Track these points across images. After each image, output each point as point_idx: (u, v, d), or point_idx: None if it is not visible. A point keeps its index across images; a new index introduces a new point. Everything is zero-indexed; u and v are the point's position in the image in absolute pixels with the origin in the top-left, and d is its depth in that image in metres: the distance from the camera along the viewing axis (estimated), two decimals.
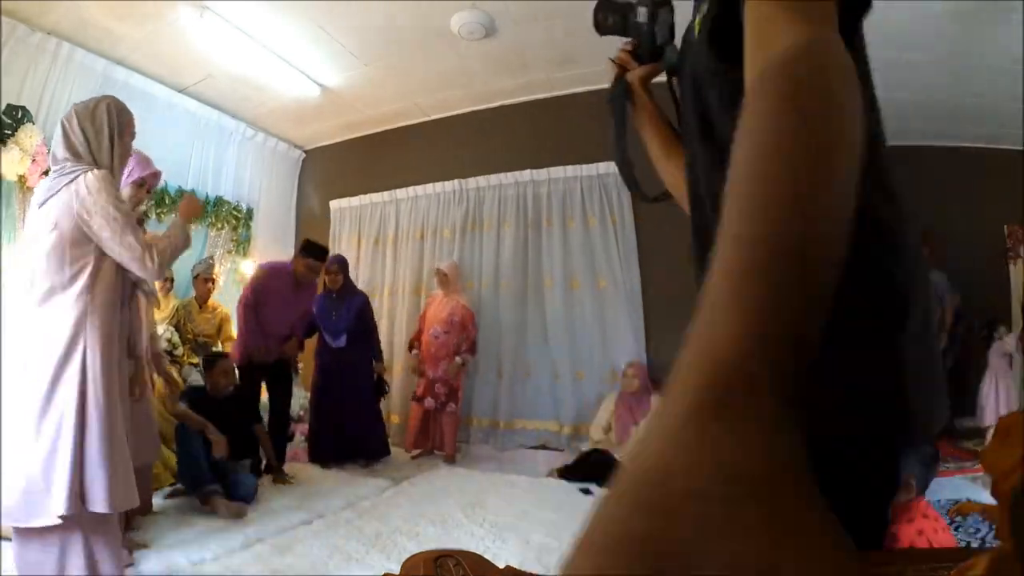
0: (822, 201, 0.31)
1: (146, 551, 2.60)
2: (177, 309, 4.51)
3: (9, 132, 3.57)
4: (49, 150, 2.29)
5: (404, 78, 4.74)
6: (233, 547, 2.75)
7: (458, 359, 4.52)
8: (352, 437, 4.26)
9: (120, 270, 2.11)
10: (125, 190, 2.48)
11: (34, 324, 1.99)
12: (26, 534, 1.92)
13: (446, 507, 3.36)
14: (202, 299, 4.65)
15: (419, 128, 5.57)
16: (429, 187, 5.48)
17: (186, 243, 2.30)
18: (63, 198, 2.01)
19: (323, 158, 6.22)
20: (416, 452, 4.60)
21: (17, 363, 1.98)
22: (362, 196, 5.87)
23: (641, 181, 1.00)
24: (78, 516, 1.88)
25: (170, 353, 4.21)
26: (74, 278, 2.00)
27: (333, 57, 4.44)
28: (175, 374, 3.95)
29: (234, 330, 4.59)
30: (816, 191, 0.31)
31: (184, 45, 4.18)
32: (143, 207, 3.05)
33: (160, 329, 4.19)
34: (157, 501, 3.21)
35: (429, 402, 4.50)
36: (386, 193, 5.73)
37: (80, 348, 1.96)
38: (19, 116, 3.62)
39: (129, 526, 2.72)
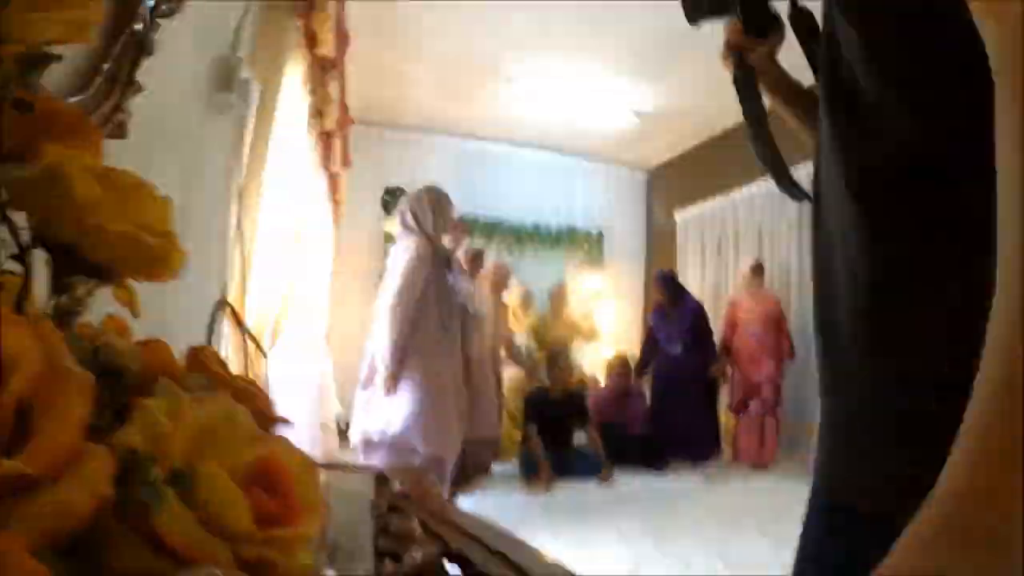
0: None
1: (467, 496, 3.40)
2: (535, 321, 5.36)
3: (392, 206, 5.17)
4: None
5: (704, 81, 4.75)
6: (533, 508, 3.40)
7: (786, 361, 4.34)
8: (683, 437, 4.41)
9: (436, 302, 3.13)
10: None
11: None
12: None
13: (741, 515, 3.31)
14: (556, 311, 5.45)
15: (740, 125, 5.44)
16: (761, 184, 5.30)
17: None
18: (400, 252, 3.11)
19: (664, 175, 6.57)
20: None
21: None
22: (701, 203, 5.99)
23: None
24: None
25: (529, 356, 5.08)
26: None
27: (636, 83, 4.80)
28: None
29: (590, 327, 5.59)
30: None
31: (512, 109, 5.23)
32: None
33: (520, 338, 5.12)
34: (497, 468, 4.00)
35: (755, 406, 4.36)
36: (724, 197, 5.74)
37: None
38: (397, 193, 5.22)
39: (466, 479, 3.56)
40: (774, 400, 4.34)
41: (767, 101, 0.85)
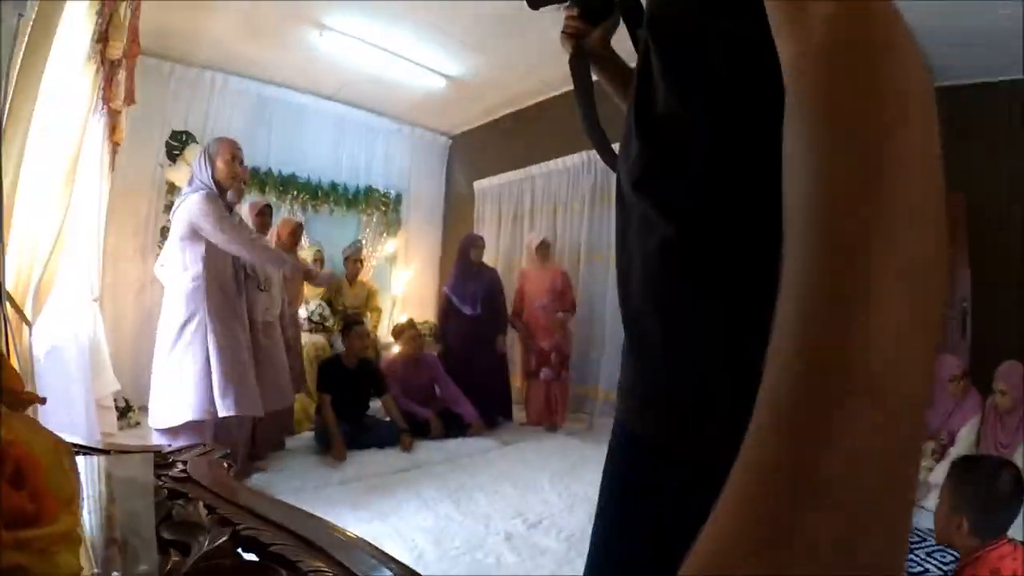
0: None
1: (260, 474, 3.22)
2: (330, 285, 5.13)
3: (177, 152, 4.64)
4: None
5: (523, 58, 4.88)
6: (331, 482, 3.21)
7: (559, 314, 4.64)
8: (478, 402, 4.51)
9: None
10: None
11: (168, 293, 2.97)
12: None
13: (536, 473, 3.49)
14: (351, 277, 5.27)
15: (548, 104, 5.67)
16: (559, 161, 5.57)
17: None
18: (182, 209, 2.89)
19: (467, 142, 6.63)
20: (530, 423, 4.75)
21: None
22: (501, 175, 6.14)
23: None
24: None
25: (322, 324, 4.86)
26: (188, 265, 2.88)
27: (451, 50, 4.73)
28: (325, 340, 4.65)
29: (380, 303, 5.34)
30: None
31: (318, 60, 4.82)
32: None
33: (313, 304, 4.88)
34: (290, 442, 3.84)
35: (546, 373, 4.62)
36: (522, 171, 5.93)
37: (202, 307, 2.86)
38: (184, 139, 4.69)
39: (258, 455, 3.39)
40: (560, 366, 4.63)
41: (597, 80, 0.93)
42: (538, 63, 4.99)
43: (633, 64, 0.75)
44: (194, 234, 2.86)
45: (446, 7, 4.05)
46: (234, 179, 3.01)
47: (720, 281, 0.56)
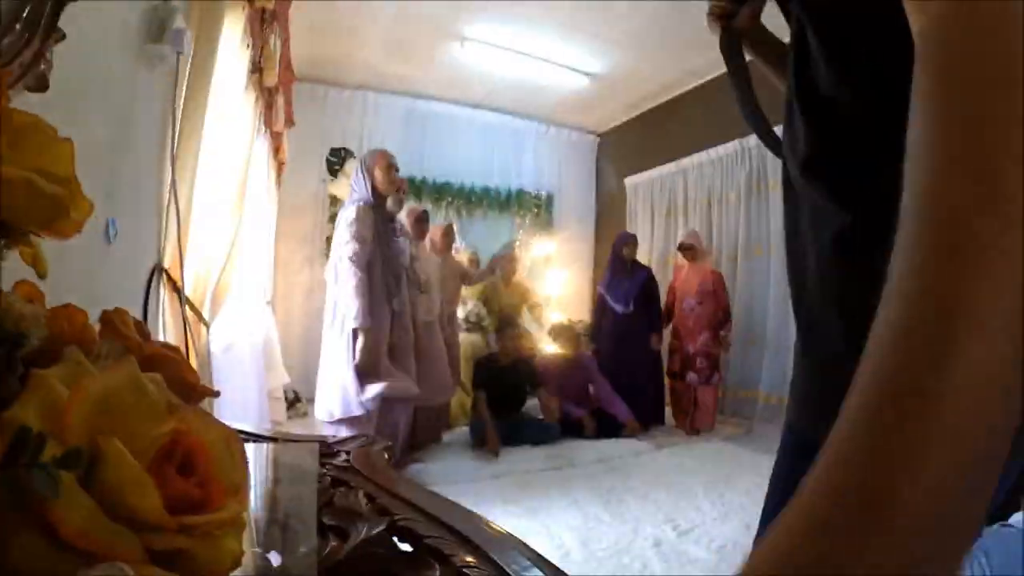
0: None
1: (417, 464, 3.42)
2: (485, 286, 5.32)
3: (337, 167, 5.10)
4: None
5: (664, 48, 4.76)
6: (484, 476, 3.33)
7: (722, 333, 4.44)
8: (631, 402, 4.45)
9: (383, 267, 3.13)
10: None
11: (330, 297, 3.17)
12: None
13: (690, 478, 3.38)
14: (507, 277, 5.41)
15: (695, 93, 5.47)
16: (711, 152, 5.35)
17: None
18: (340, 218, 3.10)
19: (615, 139, 6.57)
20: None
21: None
22: (651, 170, 6.01)
23: None
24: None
25: (478, 323, 5.06)
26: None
27: (591, 47, 4.75)
28: (482, 339, 4.85)
29: (538, 298, 5.53)
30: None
31: (463, 70, 5.07)
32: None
33: (471, 304, 5.09)
34: (447, 437, 4.03)
35: (692, 377, 4.45)
36: (673, 164, 5.77)
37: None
38: (342, 155, 5.12)
39: (416, 447, 3.60)
40: (709, 371, 4.42)
41: (751, 61, 0.87)
42: (680, 51, 4.84)
43: (787, 40, 0.71)
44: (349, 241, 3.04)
45: (580, 5, 4.06)
46: (392, 187, 3.19)
47: None
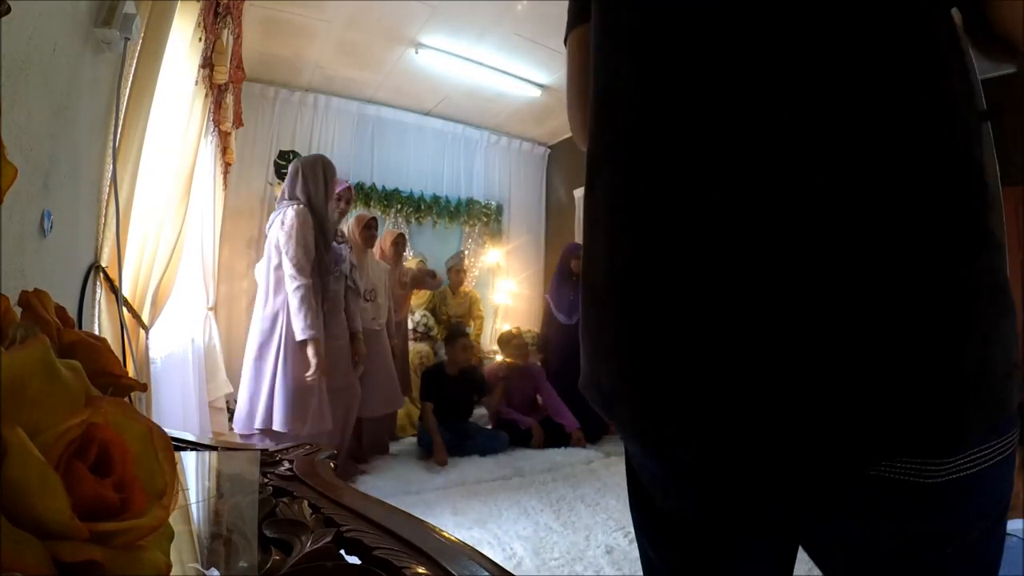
0: None
1: (363, 476, 3.32)
2: (433, 295, 5.27)
3: (285, 170, 4.83)
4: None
5: None
6: (432, 487, 3.28)
7: None
8: (578, 412, 4.46)
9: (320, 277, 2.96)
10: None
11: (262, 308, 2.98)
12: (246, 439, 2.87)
13: None
14: (455, 286, 5.37)
15: None
16: None
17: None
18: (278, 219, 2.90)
19: (565, 150, 6.61)
20: None
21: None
22: None
23: None
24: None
25: (426, 333, 5.00)
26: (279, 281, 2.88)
27: (542, 59, 4.75)
28: (430, 348, 4.78)
29: (482, 311, 5.44)
30: None
31: (416, 77, 5.00)
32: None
33: (418, 314, 5.02)
34: (394, 447, 3.96)
35: None
36: None
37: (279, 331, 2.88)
38: (290, 158, 4.89)
39: (362, 459, 3.52)
40: None
41: None
42: None
43: None
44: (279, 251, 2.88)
45: (533, 16, 4.07)
46: (335, 203, 3.09)
47: None
